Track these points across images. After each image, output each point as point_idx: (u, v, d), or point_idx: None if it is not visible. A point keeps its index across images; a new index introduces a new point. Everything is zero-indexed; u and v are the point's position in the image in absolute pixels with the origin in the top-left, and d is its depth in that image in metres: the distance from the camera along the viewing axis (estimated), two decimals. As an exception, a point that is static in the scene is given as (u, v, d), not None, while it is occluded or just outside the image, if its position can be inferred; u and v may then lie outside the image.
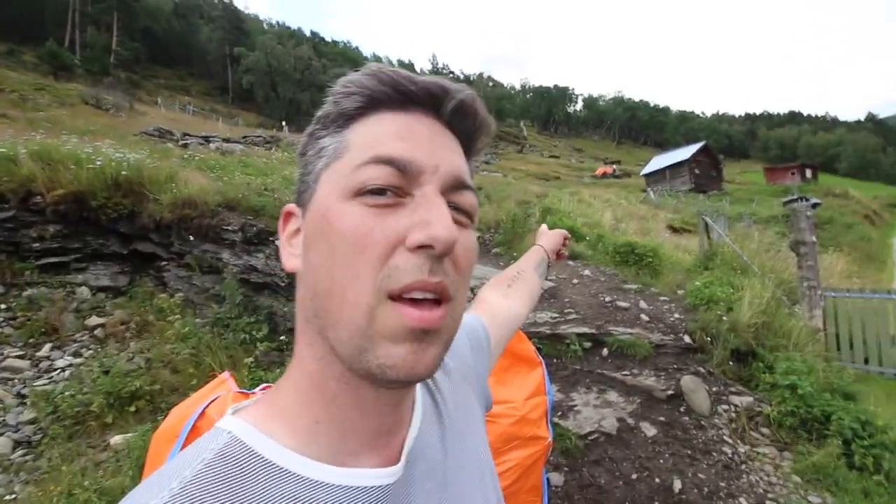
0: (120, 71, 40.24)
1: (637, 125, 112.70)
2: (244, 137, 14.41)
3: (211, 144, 11.48)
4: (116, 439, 3.16)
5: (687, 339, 4.14)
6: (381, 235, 0.34)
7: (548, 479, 2.71)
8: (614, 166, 52.08)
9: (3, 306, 4.19)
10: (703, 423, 3.26)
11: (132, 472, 2.75)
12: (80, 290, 4.75)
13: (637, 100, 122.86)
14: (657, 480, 2.73)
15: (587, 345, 3.97)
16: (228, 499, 0.32)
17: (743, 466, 2.89)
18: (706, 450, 3.01)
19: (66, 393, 3.43)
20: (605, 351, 3.94)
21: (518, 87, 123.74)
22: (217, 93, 55.97)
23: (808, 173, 45.91)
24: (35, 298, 4.35)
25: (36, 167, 4.76)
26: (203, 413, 1.20)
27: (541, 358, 1.80)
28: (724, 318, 4.19)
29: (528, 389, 1.68)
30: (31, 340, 4.03)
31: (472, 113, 0.41)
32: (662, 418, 3.26)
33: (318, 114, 0.41)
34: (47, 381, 3.65)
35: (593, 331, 4.12)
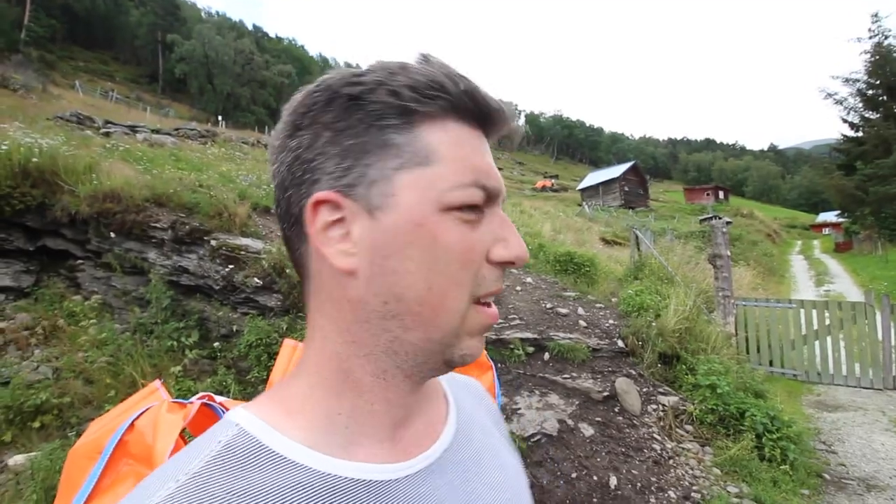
0: (32, 49, 36.12)
1: (574, 143, 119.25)
2: (176, 129, 13.43)
3: (138, 135, 10.57)
4: (17, 459, 2.79)
5: (620, 343, 4.40)
6: (479, 252, 0.39)
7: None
8: (553, 180, 54.46)
9: None
10: (635, 421, 3.46)
11: (36, 495, 2.44)
12: (-27, 290, 4.16)
13: (574, 119, 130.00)
14: (595, 478, 2.85)
15: (530, 349, 4.09)
16: (236, 490, 0.32)
17: (671, 461, 3.10)
18: (638, 447, 3.19)
19: (-47, 408, 2.97)
20: (546, 355, 4.08)
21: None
22: (145, 81, 51.92)
23: (721, 195, 51.00)
24: (-87, 299, 3.75)
25: (-79, 148, 4.13)
26: (132, 425, 1.10)
27: (491, 362, 1.84)
28: (653, 323, 4.50)
29: (479, 391, 1.70)
30: None
31: (513, 140, 0.45)
32: (599, 418, 3.42)
33: (379, 100, 0.37)
34: (-72, 394, 3.15)
35: (536, 336, 4.25)
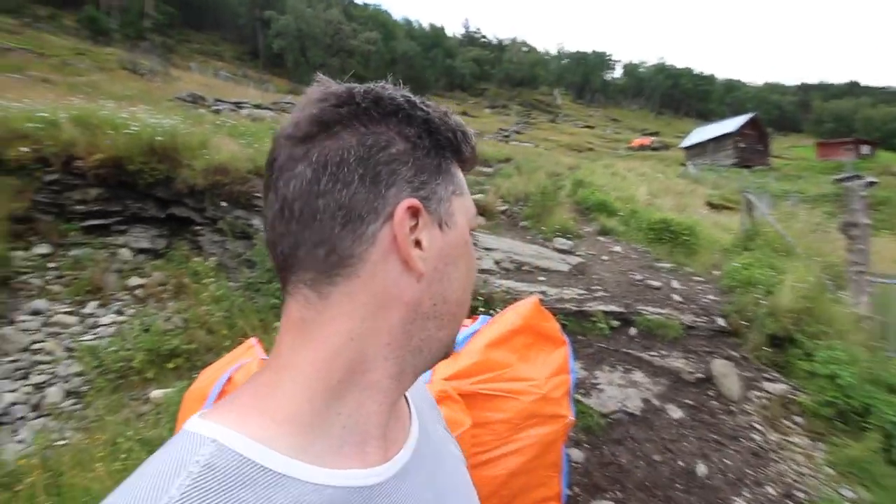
0: (155, 35, 40.68)
1: (679, 94, 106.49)
2: (274, 104, 14.42)
3: (242, 110, 11.55)
4: (156, 393, 3.35)
5: (721, 321, 4.00)
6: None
7: (568, 456, 2.72)
8: (652, 138, 49.84)
9: (51, 265, 4.43)
10: (732, 408, 3.17)
11: (170, 424, 2.91)
12: (122, 251, 4.95)
13: (680, 67, 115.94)
14: (680, 463, 2.69)
15: (614, 323, 3.89)
16: None
17: (772, 455, 2.81)
18: (734, 435, 2.94)
19: (111, 349, 3.63)
20: (632, 330, 3.86)
21: (554, 52, 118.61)
22: (248, 58, 55.95)
23: (866, 149, 42.65)
24: (80, 258, 4.57)
25: (76, 132, 4.90)
26: (230, 379, 1.23)
27: (566, 336, 1.77)
28: (763, 301, 4.01)
29: (550, 367, 1.66)
30: (77, 298, 4.26)
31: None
32: (690, 401, 3.19)
33: (437, 128, 0.44)
34: (93, 336, 3.88)
35: (621, 309, 4.03)
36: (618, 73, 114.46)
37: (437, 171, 0.43)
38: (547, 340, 1.72)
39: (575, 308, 4.00)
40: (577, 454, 2.73)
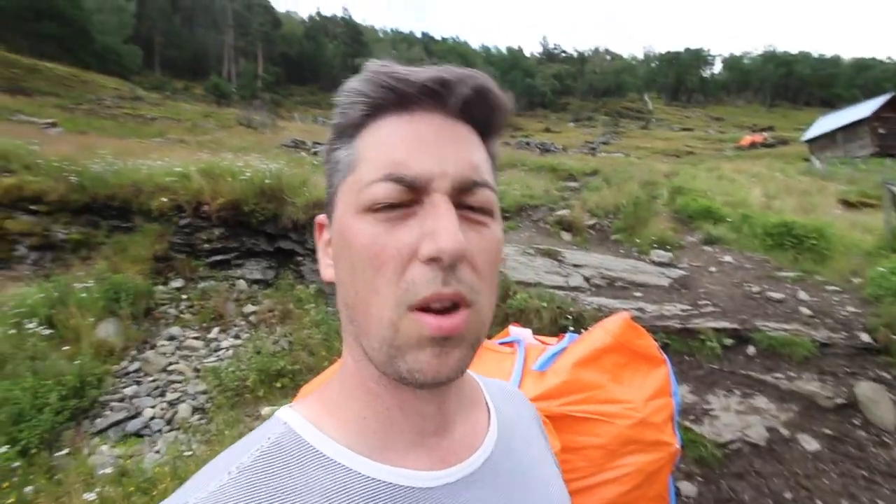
0: (266, 93, 46.58)
1: (794, 83, 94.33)
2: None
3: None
4: (266, 410, 3.66)
5: (865, 337, 3.37)
6: (395, 251, 0.34)
7: (677, 489, 2.43)
8: (765, 134, 44.53)
9: (184, 296, 5.13)
10: (885, 439, 2.62)
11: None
12: (239, 282, 5.59)
13: (794, 52, 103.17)
14: (819, 503, 2.26)
15: (727, 342, 3.46)
16: (283, 488, 0.34)
17: (951, 501, 2.25)
18: (890, 472, 2.41)
19: (229, 369, 4.06)
20: (750, 349, 3.40)
21: (641, 56, 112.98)
22: (343, 103, 61.46)
23: None
24: (206, 290, 5.24)
25: (203, 181, 5.71)
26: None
27: (665, 356, 1.61)
28: (923, 312, 3.31)
29: (649, 390, 1.51)
30: (203, 325, 4.86)
31: (482, 98, 0.39)
32: (829, 431, 2.70)
33: (332, 124, 0.41)
34: (215, 358, 4.38)
35: (735, 326, 3.58)
36: (717, 68, 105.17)
37: (329, 171, 0.41)
38: (642, 360, 1.59)
39: (679, 325, 3.64)
40: (688, 488, 2.43)
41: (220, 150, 9.17)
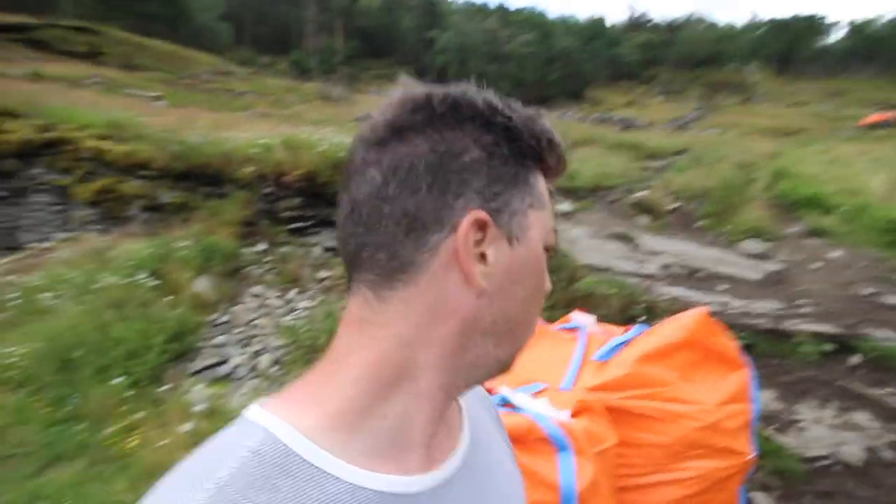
0: (344, 67, 47.92)
1: (937, 50, 79.48)
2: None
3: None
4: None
5: None
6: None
7: (749, 501, 2.25)
8: (893, 111, 38.41)
9: (266, 259, 5.56)
10: None
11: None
12: (314, 249, 5.93)
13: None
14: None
15: (826, 348, 3.13)
16: (268, 499, 0.32)
17: None
18: None
19: (304, 329, 4.38)
20: (854, 359, 3.05)
21: (741, 24, 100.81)
22: (417, 76, 61.62)
23: None
24: (286, 255, 5.62)
25: (284, 153, 6.06)
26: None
27: (746, 358, 1.48)
28: None
29: (723, 393, 1.40)
30: (283, 286, 5.24)
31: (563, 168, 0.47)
32: (947, 461, 2.35)
33: (518, 135, 0.42)
34: (292, 317, 4.73)
35: (839, 331, 3.22)
36: (836, 35, 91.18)
37: (513, 182, 0.41)
38: (719, 361, 1.47)
39: (769, 325, 3.35)
40: (763, 500, 2.26)
41: (300, 123, 9.62)
